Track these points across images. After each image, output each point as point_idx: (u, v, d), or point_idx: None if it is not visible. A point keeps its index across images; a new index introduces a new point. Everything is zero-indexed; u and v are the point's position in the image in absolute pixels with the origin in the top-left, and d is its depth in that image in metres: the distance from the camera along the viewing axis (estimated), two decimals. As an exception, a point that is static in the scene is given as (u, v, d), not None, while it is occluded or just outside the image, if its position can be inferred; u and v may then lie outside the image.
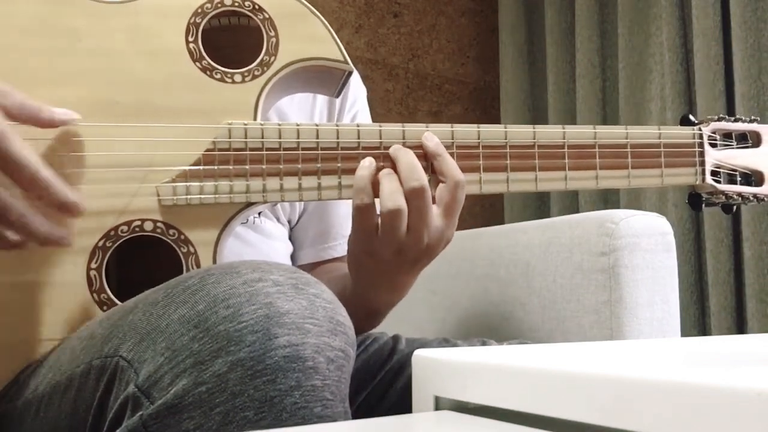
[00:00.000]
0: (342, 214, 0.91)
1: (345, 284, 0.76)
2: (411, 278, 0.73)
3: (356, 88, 0.93)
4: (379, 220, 0.66)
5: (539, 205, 2.17)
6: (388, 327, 0.91)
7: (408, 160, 0.67)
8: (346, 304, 0.75)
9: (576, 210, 2.01)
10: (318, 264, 0.91)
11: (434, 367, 0.45)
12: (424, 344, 0.86)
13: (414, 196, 0.66)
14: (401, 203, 0.65)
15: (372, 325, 0.82)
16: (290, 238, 0.92)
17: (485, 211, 2.24)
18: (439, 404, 0.44)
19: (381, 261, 0.68)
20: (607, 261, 0.90)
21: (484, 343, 0.86)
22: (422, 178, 0.66)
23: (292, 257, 0.93)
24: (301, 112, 0.87)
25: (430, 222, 0.66)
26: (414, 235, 0.66)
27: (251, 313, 0.47)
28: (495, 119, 2.25)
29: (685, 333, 1.56)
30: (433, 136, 0.70)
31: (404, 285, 0.74)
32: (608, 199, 1.98)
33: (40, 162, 0.56)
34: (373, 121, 0.90)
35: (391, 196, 0.65)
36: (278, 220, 0.88)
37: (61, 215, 0.58)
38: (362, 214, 0.66)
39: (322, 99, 0.90)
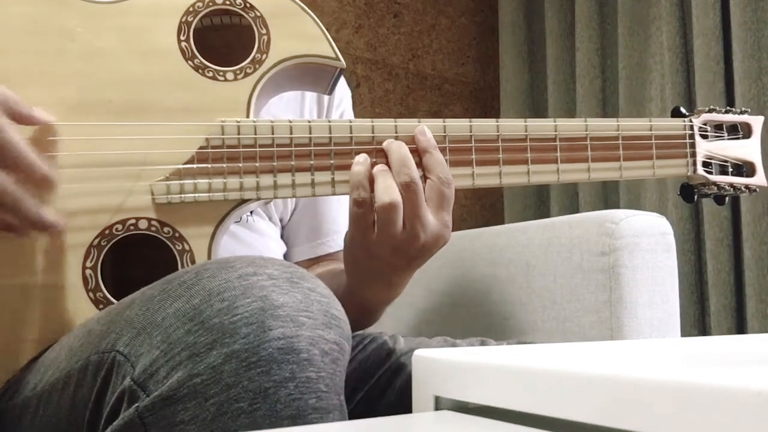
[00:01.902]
0: (333, 209, 0.91)
1: (339, 282, 0.76)
2: (406, 277, 0.73)
3: (342, 88, 0.93)
4: (376, 216, 0.66)
5: (539, 205, 2.17)
6: (387, 327, 0.91)
7: (399, 154, 0.67)
8: (340, 301, 0.75)
9: (576, 210, 2.01)
10: (313, 261, 0.92)
11: (434, 367, 0.45)
12: (424, 344, 0.86)
13: (405, 189, 0.66)
14: (396, 197, 0.65)
15: (366, 323, 0.82)
16: (282, 238, 0.92)
17: (485, 211, 2.24)
18: (439, 404, 0.44)
19: (377, 258, 0.68)
20: (607, 261, 0.90)
21: (483, 343, 0.85)
22: (412, 172, 0.66)
23: (286, 256, 0.93)
24: (290, 110, 0.87)
25: (424, 217, 0.66)
26: (409, 230, 0.66)
27: (246, 305, 0.47)
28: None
29: (685, 333, 1.56)
30: (426, 130, 0.70)
31: (399, 284, 0.74)
32: (608, 199, 1.98)
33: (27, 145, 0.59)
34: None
35: (387, 190, 0.65)
36: (270, 219, 0.88)
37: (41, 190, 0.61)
38: (360, 208, 0.66)
39: (310, 97, 0.90)
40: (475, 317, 1.09)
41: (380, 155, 0.69)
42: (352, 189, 0.66)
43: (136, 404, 0.47)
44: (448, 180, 0.68)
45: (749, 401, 0.27)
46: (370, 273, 0.71)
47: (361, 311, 0.78)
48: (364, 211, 0.66)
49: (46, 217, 0.61)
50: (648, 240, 0.91)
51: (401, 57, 2.16)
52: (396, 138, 0.70)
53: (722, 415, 0.28)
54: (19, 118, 0.61)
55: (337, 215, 0.91)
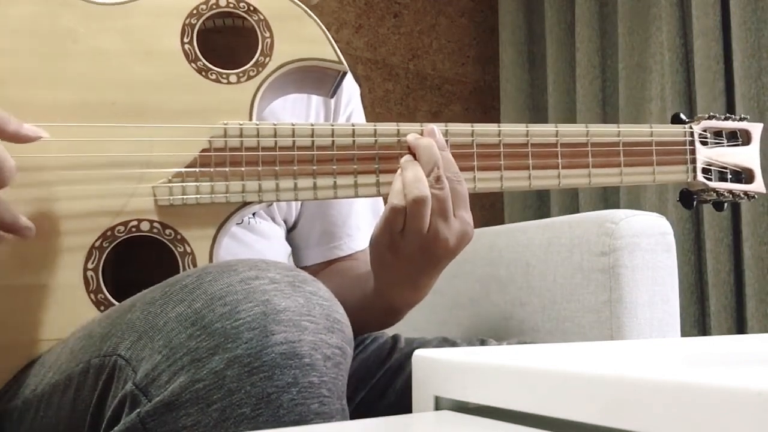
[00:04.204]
0: (344, 212, 0.91)
1: (366, 285, 0.76)
2: (432, 279, 0.73)
3: (350, 87, 0.93)
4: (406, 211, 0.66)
5: (539, 205, 2.17)
6: (387, 327, 0.91)
7: (430, 151, 0.68)
8: (369, 303, 0.74)
9: (576, 210, 2.01)
10: (326, 264, 0.92)
11: (434, 367, 0.45)
12: (424, 344, 0.86)
13: (434, 186, 0.66)
14: (426, 191, 0.65)
15: (391, 324, 0.82)
16: (289, 240, 0.92)
17: (485, 211, 2.24)
18: (439, 404, 0.44)
19: (405, 258, 0.68)
20: (607, 261, 0.90)
21: (483, 343, 0.85)
22: (441, 170, 0.67)
23: (298, 258, 0.93)
24: (296, 113, 0.87)
25: (448, 216, 0.67)
26: (434, 229, 0.67)
27: (248, 310, 0.47)
28: (495, 119, 2.25)
29: (685, 333, 1.56)
30: (436, 129, 0.70)
31: (426, 285, 0.74)
32: (608, 199, 1.98)
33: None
34: (372, 120, 0.91)
35: (417, 183, 0.66)
36: (274, 220, 0.88)
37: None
38: (397, 214, 0.67)
39: (317, 99, 0.90)
40: (475, 317, 1.09)
41: (383, 161, 0.70)
42: (395, 194, 0.66)
43: (138, 409, 0.47)
44: (460, 178, 0.69)
45: (749, 401, 0.27)
46: (398, 275, 0.72)
47: (389, 313, 0.78)
48: (400, 216, 0.66)
49: (21, 222, 0.60)
50: (648, 240, 0.91)
51: (401, 57, 2.16)
52: (398, 141, 0.70)
53: (722, 415, 0.28)
54: (6, 135, 0.59)
55: (348, 218, 0.91)
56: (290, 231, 0.92)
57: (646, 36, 1.91)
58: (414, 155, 0.69)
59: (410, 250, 0.68)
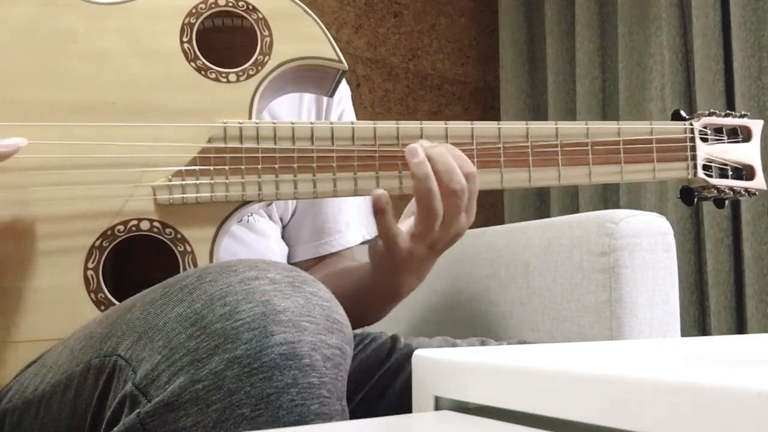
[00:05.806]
0: (336, 209, 0.92)
1: (360, 276, 0.77)
2: (432, 264, 0.76)
3: (341, 87, 0.93)
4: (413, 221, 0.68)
5: (539, 205, 2.17)
6: (387, 327, 0.91)
7: (446, 161, 0.68)
8: (367, 294, 0.76)
9: (576, 210, 2.01)
10: (315, 261, 0.92)
11: (434, 367, 0.45)
12: (424, 344, 0.86)
13: (454, 195, 0.68)
14: (438, 207, 0.67)
15: (389, 311, 0.84)
16: (283, 237, 0.92)
17: (485, 211, 2.24)
18: (439, 404, 0.44)
19: (412, 255, 0.70)
20: (607, 261, 0.90)
21: (483, 343, 0.85)
22: (462, 180, 0.68)
23: (288, 255, 0.93)
24: (289, 110, 0.87)
25: (461, 219, 0.70)
26: (445, 229, 0.69)
27: (248, 311, 0.47)
28: (495, 119, 2.25)
29: (685, 333, 1.56)
30: (419, 148, 0.69)
31: (427, 271, 0.76)
32: (608, 199, 1.98)
33: None
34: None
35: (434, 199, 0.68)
36: (271, 218, 0.89)
37: None
38: (384, 229, 0.68)
39: (309, 97, 0.90)
40: (475, 317, 1.09)
41: (383, 160, 0.70)
42: (381, 215, 0.68)
43: (138, 410, 0.47)
44: (474, 174, 0.70)
45: (749, 401, 0.27)
46: (402, 268, 0.73)
47: (391, 300, 0.80)
48: (389, 232, 0.68)
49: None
50: (648, 240, 0.91)
51: (401, 57, 2.16)
52: (397, 141, 0.70)
53: (722, 415, 0.28)
54: None
55: (339, 215, 0.92)
56: (283, 228, 0.93)
57: (646, 36, 1.91)
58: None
59: (420, 251, 0.70)
